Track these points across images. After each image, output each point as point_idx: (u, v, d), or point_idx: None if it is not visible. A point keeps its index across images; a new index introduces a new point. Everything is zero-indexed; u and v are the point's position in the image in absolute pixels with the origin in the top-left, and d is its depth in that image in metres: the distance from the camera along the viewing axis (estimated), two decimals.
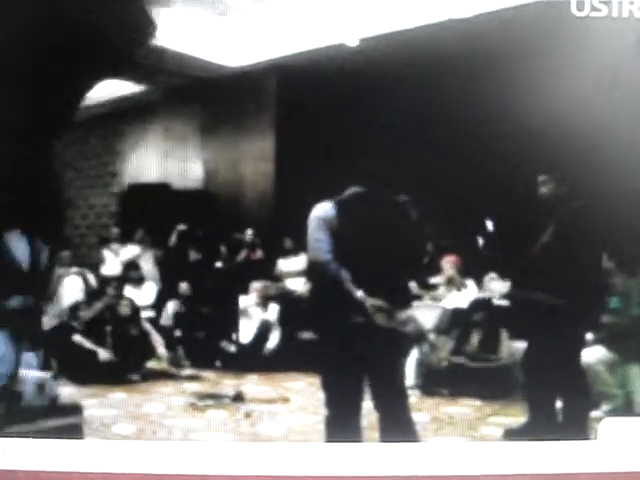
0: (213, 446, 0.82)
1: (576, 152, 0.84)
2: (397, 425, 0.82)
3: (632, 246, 0.86)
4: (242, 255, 0.87)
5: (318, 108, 0.83)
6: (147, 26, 0.77)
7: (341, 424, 0.83)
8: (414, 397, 0.93)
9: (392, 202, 0.84)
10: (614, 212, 0.84)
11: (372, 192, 0.84)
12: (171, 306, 0.89)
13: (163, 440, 0.84)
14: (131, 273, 0.88)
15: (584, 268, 0.85)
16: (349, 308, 0.84)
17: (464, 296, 0.91)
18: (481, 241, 0.87)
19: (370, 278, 0.84)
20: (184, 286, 0.87)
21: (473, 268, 0.90)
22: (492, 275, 0.89)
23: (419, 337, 0.90)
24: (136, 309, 0.91)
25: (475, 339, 0.91)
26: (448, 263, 0.93)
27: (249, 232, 0.86)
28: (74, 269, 0.92)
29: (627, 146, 0.83)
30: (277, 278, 0.88)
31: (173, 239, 0.84)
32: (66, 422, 0.82)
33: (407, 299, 0.86)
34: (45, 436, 0.81)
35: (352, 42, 0.80)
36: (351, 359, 0.83)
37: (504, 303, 0.89)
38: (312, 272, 0.86)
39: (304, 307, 0.89)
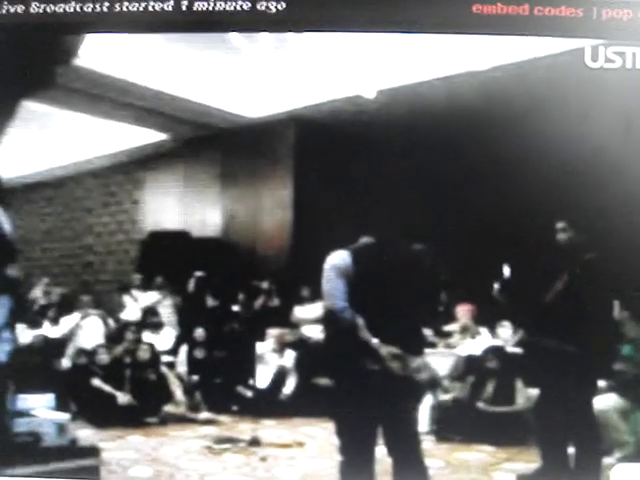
0: None
1: (592, 200, 0.85)
2: (410, 471, 0.82)
3: None
4: (259, 302, 0.88)
5: (335, 158, 0.84)
6: None
7: (355, 470, 0.83)
8: (428, 443, 0.92)
9: (406, 251, 0.84)
10: (628, 260, 0.83)
11: (386, 241, 0.84)
12: (188, 351, 0.90)
13: None
14: (150, 319, 0.89)
15: (597, 316, 0.85)
16: (364, 355, 0.85)
17: (478, 344, 0.92)
18: (497, 287, 0.87)
19: (385, 326, 0.85)
20: (201, 332, 0.88)
21: (487, 317, 0.90)
22: (504, 323, 0.90)
23: (433, 384, 0.91)
24: (155, 354, 0.92)
25: (490, 387, 0.91)
26: (462, 311, 0.93)
27: (266, 280, 0.87)
28: (94, 311, 0.94)
29: None
30: (294, 325, 0.89)
31: (191, 286, 0.85)
32: (84, 464, 0.83)
33: (421, 346, 0.86)
34: (63, 477, 0.82)
35: (369, 94, 0.81)
36: (365, 405, 0.83)
37: (517, 351, 0.89)
38: (328, 319, 0.86)
39: (320, 354, 0.90)
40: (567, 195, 0.85)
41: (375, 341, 0.85)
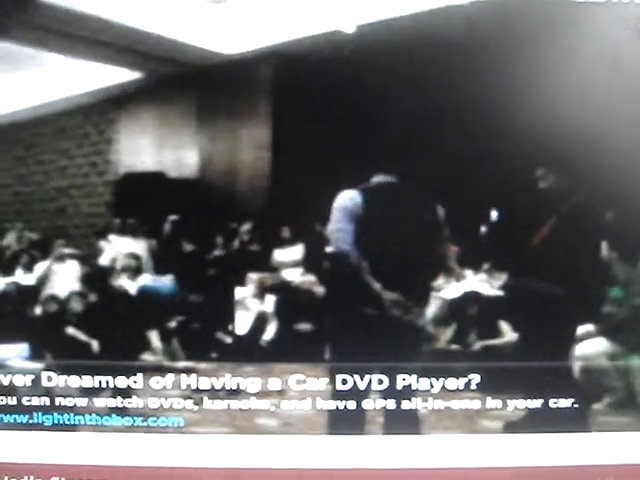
0: (209, 439, 0.81)
1: (576, 144, 0.83)
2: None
3: (633, 236, 0.84)
4: (238, 245, 0.85)
5: (316, 96, 0.81)
6: None
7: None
8: None
9: (419, 194, 0.83)
10: (616, 202, 0.83)
11: (403, 184, 0.83)
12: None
13: (158, 433, 0.81)
14: (131, 263, 0.86)
15: (584, 258, 0.85)
16: (364, 300, 0.84)
17: (462, 287, 0.90)
18: (484, 230, 0.85)
19: (390, 272, 0.83)
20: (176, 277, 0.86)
21: (472, 259, 0.88)
22: (488, 266, 0.88)
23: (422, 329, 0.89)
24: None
25: (473, 333, 0.90)
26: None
27: (246, 222, 0.84)
28: (71, 251, 0.90)
29: (628, 137, 0.82)
30: (274, 268, 0.87)
31: (166, 230, 0.83)
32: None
33: (426, 295, 0.85)
34: (38, 429, 0.80)
35: (349, 28, 0.79)
36: (362, 352, 0.82)
37: (499, 294, 0.87)
38: (331, 261, 0.84)
39: (306, 298, 0.88)
40: (550, 138, 0.83)
41: (377, 286, 0.83)
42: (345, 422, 0.81)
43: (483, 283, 0.89)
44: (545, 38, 0.80)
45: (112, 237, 0.86)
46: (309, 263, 0.87)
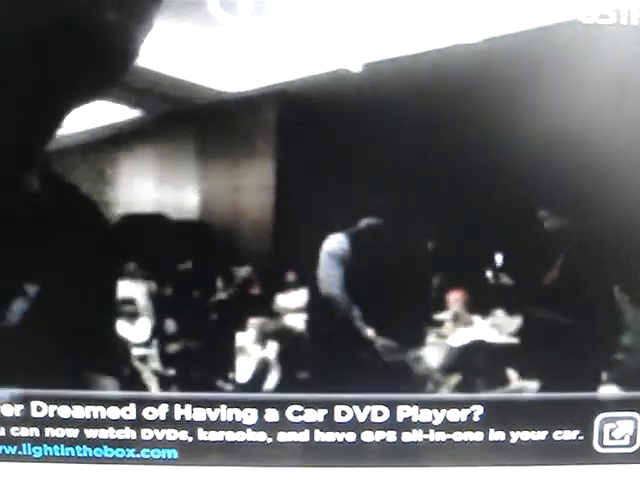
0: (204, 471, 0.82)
1: (580, 184, 0.82)
2: None
3: None
4: (239, 289, 0.83)
5: (321, 135, 0.80)
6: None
7: None
8: None
9: (407, 235, 0.81)
10: (626, 243, 0.82)
11: (389, 224, 0.81)
12: (163, 344, 0.85)
13: (151, 465, 0.81)
14: (126, 307, 0.84)
15: (595, 301, 0.83)
16: (357, 347, 0.83)
17: (471, 333, 0.87)
18: (490, 274, 0.83)
19: (382, 316, 0.83)
20: (176, 323, 0.83)
21: (480, 303, 0.85)
22: (498, 311, 0.85)
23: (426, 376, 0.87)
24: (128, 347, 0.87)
25: (480, 378, 0.87)
26: (454, 298, 0.89)
27: (247, 265, 0.82)
28: None
29: (636, 176, 0.80)
30: (276, 314, 0.84)
31: (166, 273, 0.80)
32: None
33: (420, 339, 0.83)
34: (27, 461, 0.79)
35: (355, 67, 0.77)
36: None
37: (512, 341, 0.85)
38: (322, 307, 0.82)
39: (306, 345, 0.85)
40: (549, 178, 0.81)
41: (370, 332, 0.82)
42: (344, 454, 0.81)
43: (492, 329, 0.86)
44: (550, 76, 0.78)
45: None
46: (313, 309, 0.83)
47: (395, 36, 0.77)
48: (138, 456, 0.80)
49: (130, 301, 0.82)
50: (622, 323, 0.83)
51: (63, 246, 0.78)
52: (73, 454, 0.80)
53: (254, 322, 0.83)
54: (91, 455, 0.80)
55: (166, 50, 0.76)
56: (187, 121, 0.80)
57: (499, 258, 0.84)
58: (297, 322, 0.84)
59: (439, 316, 0.85)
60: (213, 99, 0.79)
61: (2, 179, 0.76)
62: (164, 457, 0.81)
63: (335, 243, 0.81)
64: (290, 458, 0.82)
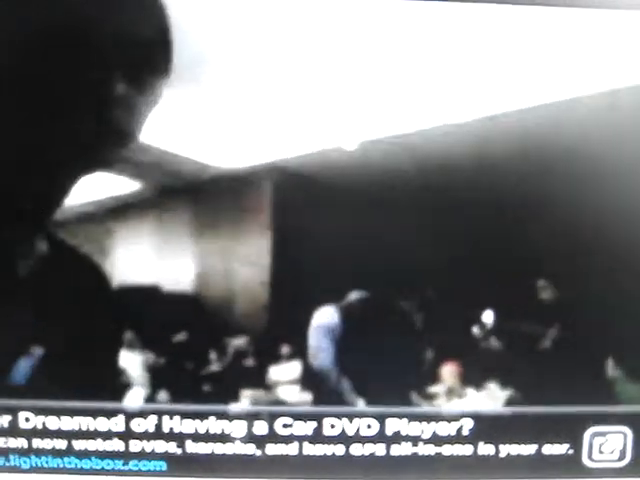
0: None
1: (580, 256, 0.82)
2: None
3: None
4: (233, 361, 0.83)
5: (316, 212, 0.81)
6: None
7: None
8: None
9: (396, 308, 0.81)
10: (621, 317, 0.82)
11: (376, 297, 0.81)
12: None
13: (140, 477, 0.81)
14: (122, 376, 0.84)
15: (587, 374, 0.84)
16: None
17: (465, 405, 0.87)
18: (484, 344, 0.84)
19: (371, 387, 0.83)
20: (168, 393, 0.83)
21: (474, 376, 0.85)
22: (490, 384, 0.86)
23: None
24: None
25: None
26: (448, 372, 0.89)
27: (242, 337, 0.83)
28: None
29: (633, 245, 0.81)
30: (269, 386, 0.85)
31: (162, 344, 0.81)
32: None
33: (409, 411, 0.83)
34: (15, 472, 0.79)
35: (350, 145, 0.78)
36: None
37: (503, 411, 0.85)
38: (312, 381, 0.83)
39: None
40: (554, 250, 0.82)
41: (361, 404, 0.82)
42: (333, 467, 0.81)
43: (485, 400, 0.87)
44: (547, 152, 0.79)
45: None
46: (306, 381, 0.84)
47: (390, 115, 0.79)
48: (126, 468, 0.80)
49: (125, 370, 0.83)
50: (613, 394, 0.83)
51: (67, 311, 0.79)
52: (61, 465, 0.79)
53: (247, 394, 0.84)
54: (79, 466, 0.80)
55: (166, 126, 0.77)
56: (185, 195, 0.82)
57: (493, 329, 0.84)
58: (290, 394, 0.84)
59: (432, 389, 0.86)
60: (211, 175, 0.81)
61: (15, 242, 0.78)
62: (152, 469, 0.80)
63: (325, 316, 0.82)
64: (279, 471, 0.82)
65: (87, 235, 0.80)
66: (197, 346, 0.83)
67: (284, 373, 0.84)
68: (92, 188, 0.79)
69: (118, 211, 0.82)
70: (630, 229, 0.80)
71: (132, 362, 0.82)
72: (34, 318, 0.78)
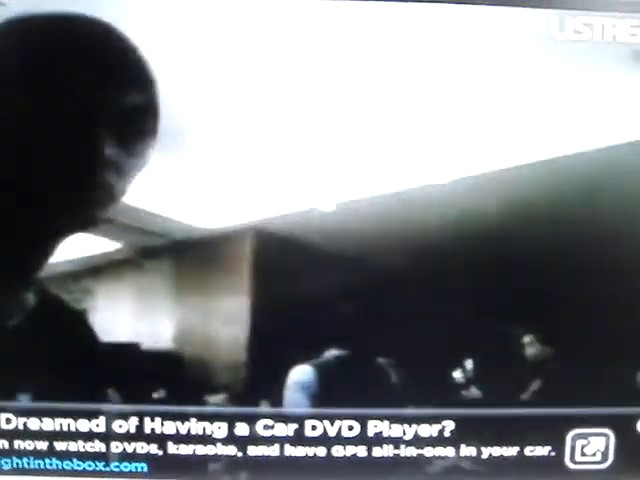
0: None
1: (573, 313, 0.83)
2: None
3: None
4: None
5: (294, 271, 0.82)
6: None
7: None
8: None
9: (373, 365, 0.82)
10: (600, 373, 0.83)
11: (352, 355, 0.82)
12: None
13: (121, 478, 0.81)
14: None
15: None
16: None
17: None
18: (458, 374, 0.84)
19: None
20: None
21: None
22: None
23: None
24: None
25: None
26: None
27: (221, 394, 0.83)
28: None
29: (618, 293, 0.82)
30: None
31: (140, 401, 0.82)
32: None
33: None
34: None
35: (329, 206, 0.79)
36: None
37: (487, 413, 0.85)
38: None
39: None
40: (538, 304, 0.83)
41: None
42: (314, 469, 0.81)
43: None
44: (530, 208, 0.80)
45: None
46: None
47: (366, 177, 0.80)
48: (108, 469, 0.80)
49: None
50: None
51: (52, 361, 0.80)
52: (42, 466, 0.80)
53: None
54: (60, 468, 0.80)
55: (145, 186, 0.79)
56: (165, 255, 0.83)
57: (473, 388, 0.85)
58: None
59: None
60: (191, 235, 0.82)
61: (4, 294, 0.79)
62: (134, 470, 0.81)
63: (301, 374, 0.82)
64: (260, 472, 0.82)
65: (67, 294, 0.81)
66: (176, 403, 0.83)
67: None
68: (71, 247, 0.80)
69: (98, 270, 0.83)
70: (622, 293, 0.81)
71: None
72: (23, 365, 0.79)
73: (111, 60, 0.74)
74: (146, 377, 0.82)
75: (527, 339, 0.84)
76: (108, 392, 0.81)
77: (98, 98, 0.75)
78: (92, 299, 0.82)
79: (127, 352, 0.81)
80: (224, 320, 0.83)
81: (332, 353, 0.83)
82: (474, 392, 0.85)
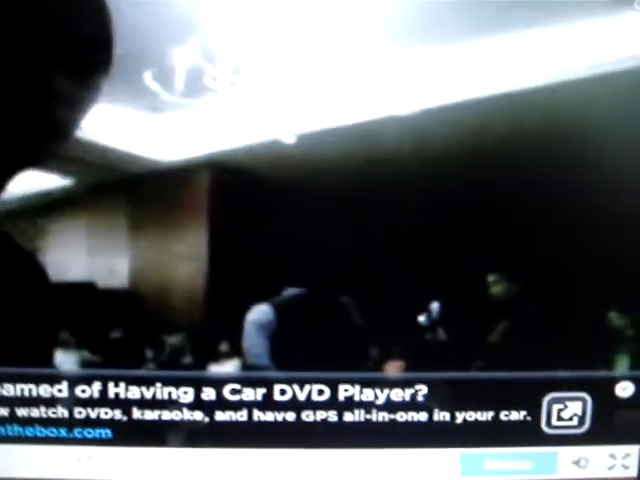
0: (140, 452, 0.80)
1: (538, 251, 0.81)
2: None
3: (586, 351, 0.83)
4: (169, 358, 0.82)
5: (253, 206, 0.79)
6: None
7: None
8: None
9: (334, 304, 0.80)
10: (573, 314, 0.82)
11: (312, 294, 0.80)
12: None
13: (85, 445, 0.79)
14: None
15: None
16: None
17: None
18: (423, 319, 0.82)
19: None
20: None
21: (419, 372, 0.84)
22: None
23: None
24: None
25: None
26: (393, 369, 0.88)
27: (179, 334, 0.81)
28: None
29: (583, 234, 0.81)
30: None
31: (97, 342, 0.79)
32: None
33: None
34: None
35: (288, 138, 0.77)
36: None
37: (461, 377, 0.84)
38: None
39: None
40: (504, 244, 0.81)
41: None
42: (284, 434, 0.79)
43: None
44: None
45: None
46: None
47: (328, 107, 0.77)
48: (71, 435, 0.79)
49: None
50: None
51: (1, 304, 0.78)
52: (4, 433, 0.78)
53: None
54: (22, 434, 0.78)
55: (97, 120, 0.76)
56: (118, 190, 0.80)
57: (436, 311, 0.83)
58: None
59: None
60: (145, 168, 0.79)
61: None
62: (98, 437, 0.79)
63: (259, 313, 0.81)
64: (227, 439, 0.80)
65: (18, 232, 0.78)
66: (134, 343, 0.81)
67: (224, 370, 0.83)
68: (22, 184, 0.77)
69: (50, 208, 0.80)
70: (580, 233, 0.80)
71: (67, 361, 0.80)
72: None
73: None
74: (102, 317, 0.81)
75: (492, 277, 0.83)
76: (62, 335, 0.80)
77: (47, 28, 0.71)
78: (44, 237, 0.80)
79: (82, 292, 0.80)
80: (181, 257, 0.81)
81: (290, 292, 0.82)
82: (440, 334, 0.84)
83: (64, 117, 0.74)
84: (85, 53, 0.73)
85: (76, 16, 0.72)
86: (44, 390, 0.78)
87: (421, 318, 0.83)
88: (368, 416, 0.80)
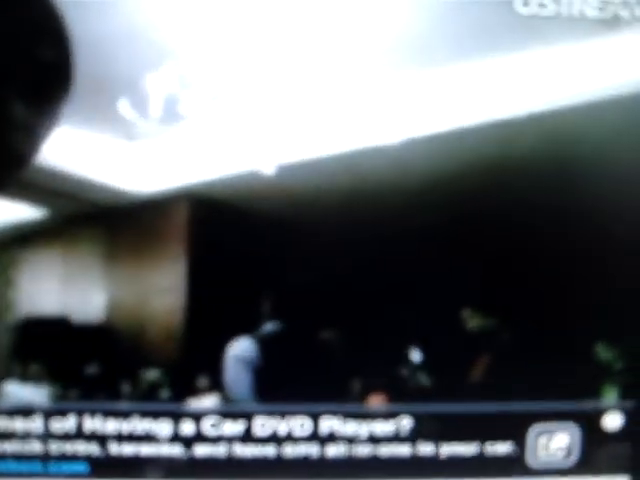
0: None
1: (511, 280, 0.81)
2: None
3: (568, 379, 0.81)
4: (147, 393, 0.80)
5: (232, 238, 0.78)
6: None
7: None
8: None
9: (315, 338, 0.79)
10: (548, 343, 0.80)
11: (294, 327, 0.79)
12: None
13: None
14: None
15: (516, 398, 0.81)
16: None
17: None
18: (406, 372, 0.82)
19: None
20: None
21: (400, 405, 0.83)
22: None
23: None
24: None
25: None
26: (375, 402, 0.87)
27: (156, 369, 0.79)
28: None
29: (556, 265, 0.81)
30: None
31: (71, 377, 0.78)
32: None
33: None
34: None
35: (268, 170, 0.76)
36: None
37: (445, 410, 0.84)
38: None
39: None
40: (473, 278, 0.81)
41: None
42: (264, 469, 0.78)
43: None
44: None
45: (10, 385, 0.80)
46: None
47: (309, 139, 0.77)
48: (46, 471, 0.76)
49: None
50: None
51: None
52: None
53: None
54: None
55: (74, 151, 0.75)
56: (94, 222, 0.79)
57: (417, 357, 0.82)
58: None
59: None
60: (121, 200, 0.78)
61: None
62: (74, 472, 0.77)
63: (242, 348, 0.80)
64: (207, 473, 0.78)
65: None
66: (109, 378, 0.80)
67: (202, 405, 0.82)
68: None
69: (23, 239, 0.79)
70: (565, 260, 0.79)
71: (38, 395, 0.78)
72: None
73: (22, 12, 0.70)
74: (76, 353, 0.79)
75: (466, 312, 0.82)
76: (33, 368, 0.78)
77: (4, 53, 0.70)
78: (17, 269, 0.78)
79: (55, 326, 0.78)
80: (158, 290, 0.80)
81: (271, 326, 0.80)
82: (424, 380, 0.83)
83: (19, 145, 0.72)
84: (45, 80, 0.72)
85: (35, 40, 0.71)
86: (18, 424, 0.76)
87: (404, 352, 0.82)
88: (351, 450, 0.79)
